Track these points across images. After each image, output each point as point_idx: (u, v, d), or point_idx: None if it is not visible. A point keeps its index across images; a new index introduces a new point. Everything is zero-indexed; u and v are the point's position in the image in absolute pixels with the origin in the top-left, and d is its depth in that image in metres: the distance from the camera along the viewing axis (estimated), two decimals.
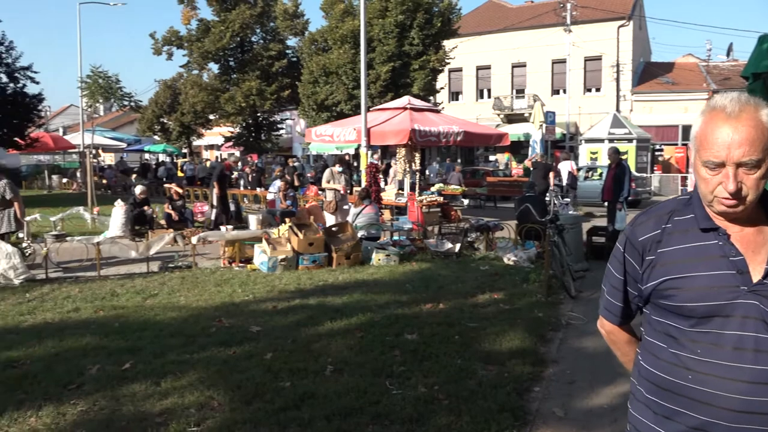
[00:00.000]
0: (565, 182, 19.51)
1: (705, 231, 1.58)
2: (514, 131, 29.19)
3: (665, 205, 1.70)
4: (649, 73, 33.46)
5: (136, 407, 3.96)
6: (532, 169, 18.24)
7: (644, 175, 24.63)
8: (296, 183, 20.10)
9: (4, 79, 21.96)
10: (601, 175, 19.17)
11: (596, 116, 30.93)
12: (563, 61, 31.22)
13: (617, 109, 30.97)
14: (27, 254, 8.64)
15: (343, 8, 26.80)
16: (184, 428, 3.65)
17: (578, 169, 21.36)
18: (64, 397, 4.11)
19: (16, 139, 21.88)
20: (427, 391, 4.20)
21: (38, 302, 6.90)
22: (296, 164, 30.32)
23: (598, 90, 33.08)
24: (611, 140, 25.70)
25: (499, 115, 34.48)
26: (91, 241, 9.67)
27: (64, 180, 30.57)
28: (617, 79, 32.03)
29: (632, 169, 16.41)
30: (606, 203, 11.64)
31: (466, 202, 20.52)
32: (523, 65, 34.64)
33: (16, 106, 21.54)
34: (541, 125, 20.49)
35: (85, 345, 5.23)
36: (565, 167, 20.09)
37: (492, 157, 34.45)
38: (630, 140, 26.51)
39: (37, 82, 23.86)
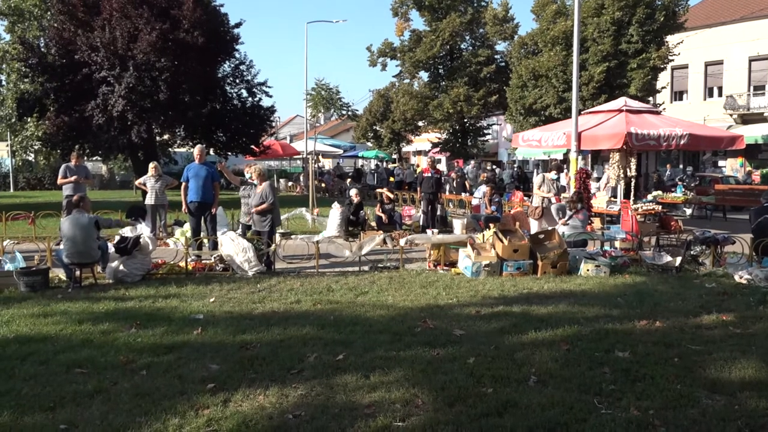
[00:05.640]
0: None
1: None
2: (751, 133, 25.98)
3: None
4: None
5: (347, 396, 4.23)
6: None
7: None
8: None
9: (245, 94, 24.87)
10: None
11: None
12: None
13: None
14: (259, 249, 9.70)
15: (555, 9, 26.07)
16: (390, 422, 3.81)
17: None
18: (287, 380, 4.53)
19: (252, 146, 24.66)
20: (640, 415, 3.89)
21: (267, 293, 7.70)
22: (496, 169, 30.16)
23: None
24: None
25: (731, 115, 30.84)
26: (312, 239, 10.60)
27: (290, 183, 33.82)
28: None
29: None
30: None
31: (688, 212, 18.83)
32: (764, 58, 30.56)
33: (253, 118, 24.23)
34: None
35: (304, 334, 5.72)
36: None
37: (722, 163, 30.95)
38: None
39: (270, 96, 26.67)
